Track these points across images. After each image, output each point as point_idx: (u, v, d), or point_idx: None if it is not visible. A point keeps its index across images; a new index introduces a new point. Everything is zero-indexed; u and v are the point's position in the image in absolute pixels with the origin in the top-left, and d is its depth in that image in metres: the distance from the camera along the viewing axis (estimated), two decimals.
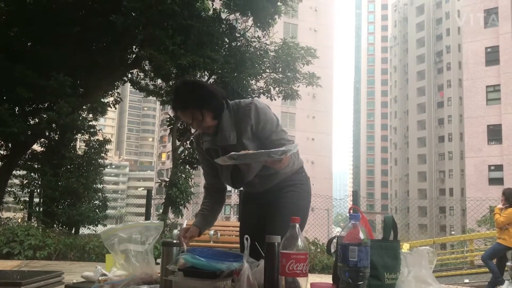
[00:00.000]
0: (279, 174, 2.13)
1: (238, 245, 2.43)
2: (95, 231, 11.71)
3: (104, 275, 1.81)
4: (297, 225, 1.46)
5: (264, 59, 14.18)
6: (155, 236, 1.87)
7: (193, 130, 13.84)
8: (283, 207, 2.08)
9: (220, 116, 2.15)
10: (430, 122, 59.90)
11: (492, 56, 33.97)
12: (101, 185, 12.44)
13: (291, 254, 1.41)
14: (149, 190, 10.66)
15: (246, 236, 1.60)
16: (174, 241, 1.73)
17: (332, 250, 1.55)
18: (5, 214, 12.91)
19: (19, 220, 12.44)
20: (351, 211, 1.38)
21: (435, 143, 58.98)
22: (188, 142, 13.84)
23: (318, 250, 8.39)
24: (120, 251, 1.80)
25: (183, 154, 13.69)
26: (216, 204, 2.38)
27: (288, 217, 1.91)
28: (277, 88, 14.63)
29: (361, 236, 1.29)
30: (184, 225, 8.24)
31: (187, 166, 13.18)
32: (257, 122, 2.13)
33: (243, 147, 2.13)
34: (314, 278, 6.13)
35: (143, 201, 10.35)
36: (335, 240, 1.49)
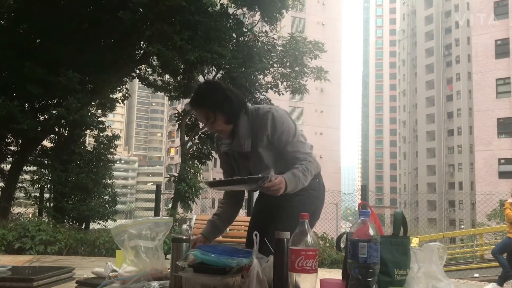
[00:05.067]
0: None
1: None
2: (105, 226, 11.81)
3: (115, 271, 1.83)
4: (306, 221, 1.46)
5: (272, 54, 14.15)
6: (165, 232, 1.88)
7: (201, 125, 13.87)
8: (288, 209, 2.09)
9: (236, 122, 2.16)
10: (439, 116, 59.47)
11: (502, 49, 33.60)
12: (111, 181, 12.52)
13: (301, 250, 1.41)
14: (158, 185, 10.71)
15: (255, 232, 1.61)
16: (184, 237, 1.74)
17: (342, 246, 1.55)
18: (17, 209, 13.05)
19: (30, 215, 12.58)
20: (361, 207, 1.38)
21: (444, 136, 58.58)
22: (196, 137, 13.87)
23: (327, 244, 8.38)
24: (130, 247, 1.81)
25: (191, 149, 13.73)
26: (231, 207, 2.37)
27: (291, 219, 1.92)
28: (285, 83, 14.59)
29: (371, 232, 1.29)
30: (193, 220, 8.26)
31: (196, 161, 13.22)
32: (273, 132, 2.13)
33: (257, 155, 2.15)
34: (323, 273, 6.13)
35: (153, 196, 10.42)
36: (344, 236, 1.49)
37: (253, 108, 2.21)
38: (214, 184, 2.17)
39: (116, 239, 1.83)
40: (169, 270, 1.78)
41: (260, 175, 1.93)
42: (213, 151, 13.50)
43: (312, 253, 1.41)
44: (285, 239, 1.51)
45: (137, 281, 1.70)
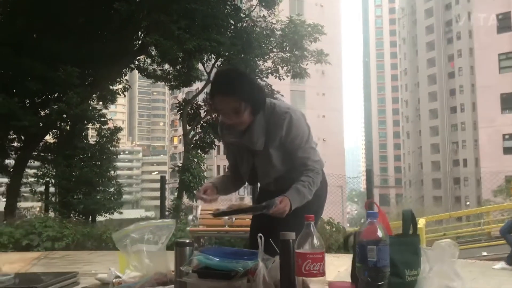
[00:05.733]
0: (292, 178, 2.08)
1: None
2: (111, 219, 11.86)
3: (118, 277, 1.79)
4: (312, 224, 1.41)
5: (271, 39, 14.02)
6: (168, 235, 1.84)
7: (203, 114, 13.81)
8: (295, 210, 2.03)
9: (256, 115, 2.05)
10: (442, 94, 59.07)
11: (504, 23, 33.17)
12: (115, 173, 12.52)
13: (307, 254, 1.37)
14: (162, 177, 10.69)
15: (260, 234, 1.56)
16: (187, 241, 1.69)
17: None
18: (25, 204, 13.08)
19: (38, 209, 12.63)
20: (368, 207, 1.33)
21: (447, 114, 58.26)
22: (198, 126, 13.83)
23: (334, 229, 8.35)
24: (133, 252, 1.78)
25: (194, 139, 13.69)
26: (236, 179, 2.30)
27: (293, 218, 1.90)
28: (285, 68, 14.49)
29: (380, 234, 1.23)
30: (199, 209, 8.26)
31: (199, 151, 13.19)
32: (287, 134, 2.05)
33: (267, 155, 2.08)
34: (331, 258, 6.11)
35: (158, 185, 10.41)
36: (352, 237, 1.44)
37: (269, 104, 2.09)
38: (219, 214, 2.11)
39: (118, 244, 1.79)
40: (174, 273, 1.74)
41: (264, 203, 1.91)
42: (216, 140, 13.46)
43: (319, 256, 1.37)
44: (291, 240, 1.47)
45: (141, 287, 1.66)
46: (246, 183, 2.35)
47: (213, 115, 13.50)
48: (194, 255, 1.61)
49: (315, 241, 1.39)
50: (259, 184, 2.32)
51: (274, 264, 1.57)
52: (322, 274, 1.37)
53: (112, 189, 12.16)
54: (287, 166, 2.12)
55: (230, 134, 2.16)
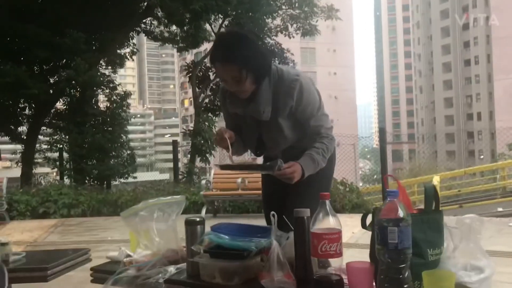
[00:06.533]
0: (303, 147, 1.99)
1: None
2: (126, 183, 11.98)
3: (129, 256, 1.75)
4: (327, 202, 1.34)
5: None
6: (178, 212, 1.79)
7: (212, 77, 13.65)
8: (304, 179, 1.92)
9: (260, 83, 1.91)
10: (455, 46, 57.70)
11: None
12: (127, 138, 12.51)
13: (323, 234, 1.30)
14: (174, 141, 10.69)
15: (273, 212, 1.50)
16: (197, 219, 1.63)
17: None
18: (40, 170, 13.21)
19: (54, 175, 12.76)
20: (387, 182, 1.24)
21: (460, 67, 57.11)
22: (208, 89, 13.69)
23: (347, 189, 8.31)
24: (142, 231, 1.73)
25: (204, 102, 13.59)
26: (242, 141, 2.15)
27: (308, 188, 1.84)
28: (294, 25, 14.15)
29: (401, 214, 1.15)
30: (213, 172, 8.26)
31: (210, 114, 13.10)
32: (298, 103, 1.93)
33: (277, 125, 1.97)
34: (345, 218, 6.07)
35: (171, 147, 10.44)
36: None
37: (275, 70, 1.95)
38: (226, 167, 2.08)
39: (127, 223, 1.74)
40: (185, 249, 1.69)
41: (268, 163, 1.86)
42: None
43: (336, 236, 1.30)
44: (305, 217, 1.40)
45: (153, 267, 1.62)
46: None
47: None
48: (205, 233, 1.56)
49: (331, 220, 1.32)
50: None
51: (289, 240, 1.51)
52: (339, 254, 1.31)
53: (125, 154, 12.19)
54: (298, 135, 2.02)
55: (233, 103, 2.03)
